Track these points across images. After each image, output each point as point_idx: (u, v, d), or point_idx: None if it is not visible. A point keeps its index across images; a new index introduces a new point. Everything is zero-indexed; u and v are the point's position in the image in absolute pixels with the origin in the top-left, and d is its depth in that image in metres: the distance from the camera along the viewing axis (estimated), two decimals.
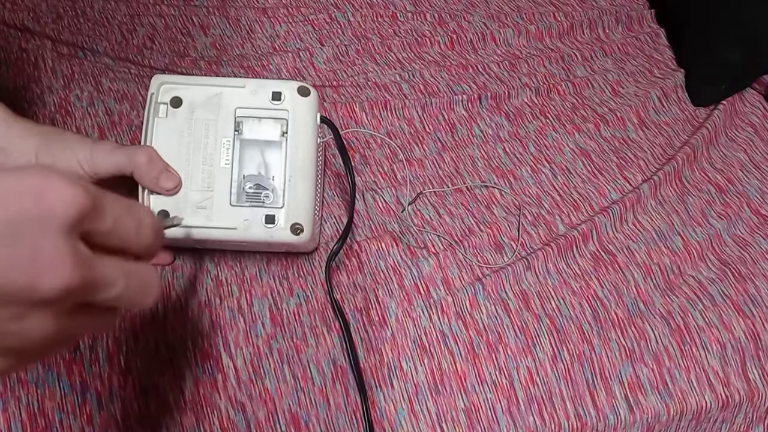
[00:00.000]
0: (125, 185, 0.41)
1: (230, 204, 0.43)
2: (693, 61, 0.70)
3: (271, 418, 0.44)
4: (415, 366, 0.47)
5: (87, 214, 0.23)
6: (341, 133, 0.45)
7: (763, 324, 0.52)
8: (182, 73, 0.61)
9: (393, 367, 0.47)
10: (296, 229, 0.43)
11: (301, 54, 0.65)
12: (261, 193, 0.43)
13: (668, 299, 0.53)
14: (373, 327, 0.48)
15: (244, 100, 0.43)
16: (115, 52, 0.62)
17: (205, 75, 0.61)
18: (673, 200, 0.60)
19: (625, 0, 0.77)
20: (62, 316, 0.22)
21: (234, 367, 0.45)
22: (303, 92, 0.44)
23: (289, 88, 0.43)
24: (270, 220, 0.43)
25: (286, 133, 0.43)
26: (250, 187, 0.43)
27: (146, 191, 0.42)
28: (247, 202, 0.43)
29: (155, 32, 0.65)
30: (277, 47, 0.66)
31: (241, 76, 0.62)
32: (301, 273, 0.50)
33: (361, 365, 0.46)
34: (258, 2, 0.69)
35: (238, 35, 0.66)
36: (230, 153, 0.43)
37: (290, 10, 0.69)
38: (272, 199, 0.43)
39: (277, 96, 0.43)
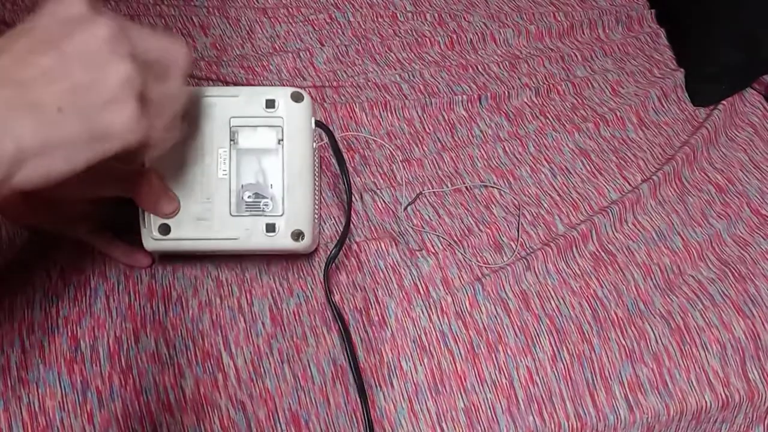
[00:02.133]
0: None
1: (230, 214, 0.43)
2: (693, 61, 0.70)
3: (271, 417, 0.44)
4: (414, 366, 0.47)
5: None
6: (338, 136, 0.45)
7: (763, 324, 0.52)
8: None
9: (393, 367, 0.47)
10: (297, 235, 0.43)
11: (301, 54, 0.65)
12: (260, 201, 0.43)
13: (668, 299, 0.53)
14: (373, 327, 0.48)
15: (238, 109, 0.43)
16: None
17: (206, 74, 0.61)
18: (673, 200, 0.60)
19: (625, 0, 0.77)
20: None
21: (234, 367, 0.45)
22: (296, 98, 0.43)
23: (282, 95, 0.43)
24: (271, 228, 0.43)
25: (282, 140, 0.43)
26: (249, 196, 0.43)
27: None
28: (247, 211, 0.43)
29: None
30: (277, 47, 0.66)
31: (241, 76, 0.62)
32: (301, 273, 0.50)
33: (361, 365, 0.46)
34: (258, 2, 0.69)
35: (238, 35, 0.66)
36: (227, 163, 0.43)
37: (290, 10, 0.69)
38: (272, 207, 0.43)
39: (270, 103, 0.43)
